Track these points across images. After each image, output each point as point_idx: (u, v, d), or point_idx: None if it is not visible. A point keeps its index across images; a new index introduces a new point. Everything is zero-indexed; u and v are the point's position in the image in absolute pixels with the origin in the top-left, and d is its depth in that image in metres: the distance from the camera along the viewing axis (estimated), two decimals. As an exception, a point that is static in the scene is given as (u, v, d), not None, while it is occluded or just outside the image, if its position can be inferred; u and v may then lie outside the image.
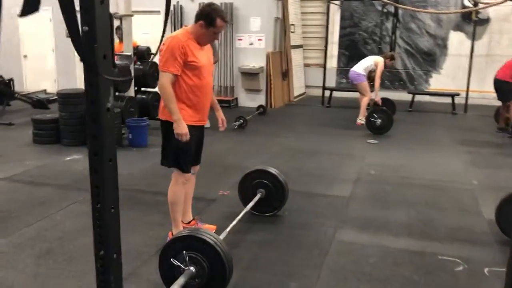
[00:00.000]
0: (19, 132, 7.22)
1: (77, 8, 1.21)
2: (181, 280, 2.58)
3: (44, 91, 9.53)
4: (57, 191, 4.62)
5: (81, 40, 1.16)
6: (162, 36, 1.30)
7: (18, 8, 1.15)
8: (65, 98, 6.42)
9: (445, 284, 2.99)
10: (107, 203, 1.36)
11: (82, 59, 1.18)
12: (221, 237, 3.07)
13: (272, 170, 4.03)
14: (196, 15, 3.18)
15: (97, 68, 1.23)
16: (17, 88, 8.78)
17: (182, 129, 3.12)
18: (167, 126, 3.24)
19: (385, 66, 8.05)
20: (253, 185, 3.99)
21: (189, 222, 3.67)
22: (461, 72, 10.53)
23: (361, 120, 8.12)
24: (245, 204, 3.88)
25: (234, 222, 3.43)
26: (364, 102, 8.20)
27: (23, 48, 11.51)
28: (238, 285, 2.93)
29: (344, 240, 3.63)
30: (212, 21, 3.12)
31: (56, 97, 6.87)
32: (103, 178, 1.33)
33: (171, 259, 2.67)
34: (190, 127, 3.18)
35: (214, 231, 3.56)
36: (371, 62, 8.06)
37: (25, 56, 11.58)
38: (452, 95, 9.65)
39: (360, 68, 8.03)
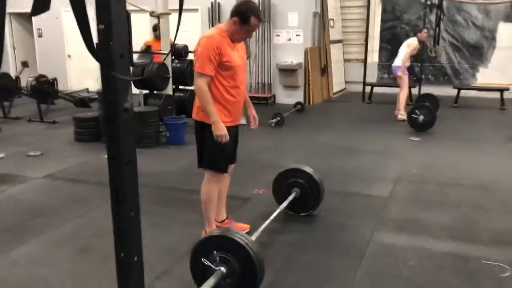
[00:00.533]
0: (62, 130, 7.43)
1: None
2: (211, 281, 2.54)
3: (86, 90, 9.79)
4: (95, 189, 4.71)
5: (92, 39, 1.12)
6: (176, 34, 1.24)
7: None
8: (105, 96, 6.54)
9: (490, 291, 2.82)
10: (126, 207, 1.32)
11: (96, 59, 1.15)
12: (253, 237, 3.02)
13: (307, 169, 3.94)
14: (231, 11, 3.12)
15: (114, 67, 1.19)
16: (61, 87, 9.05)
17: (221, 130, 3.07)
18: (203, 127, 3.20)
19: (420, 42, 7.93)
20: (287, 184, 3.91)
21: (222, 221, 3.64)
22: (511, 65, 10.02)
23: (402, 115, 7.89)
24: (280, 204, 3.80)
25: (267, 222, 3.36)
26: (402, 96, 8.00)
27: (67, 48, 11.87)
28: (271, 286, 2.86)
29: (382, 242, 3.49)
30: (246, 19, 3.06)
31: (96, 96, 7.02)
32: (121, 181, 1.29)
33: (202, 259, 2.64)
34: (226, 127, 3.14)
35: (247, 230, 3.51)
36: (404, 47, 7.94)
37: (69, 56, 11.94)
38: (501, 90, 9.19)
39: (398, 60, 7.97)
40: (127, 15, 1.21)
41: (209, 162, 3.28)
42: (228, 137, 3.11)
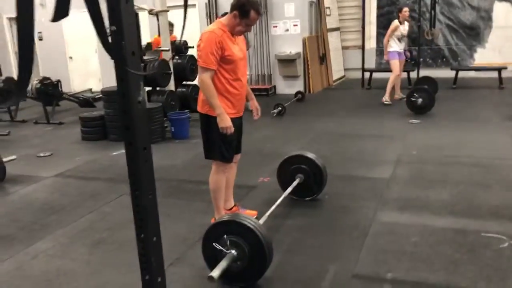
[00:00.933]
0: (68, 130, 7.58)
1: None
2: (223, 263, 2.69)
3: (90, 90, 9.94)
4: (106, 185, 4.86)
5: (108, 39, 1.25)
6: (183, 30, 1.37)
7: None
8: (109, 95, 6.67)
9: (489, 261, 2.94)
10: (144, 190, 1.46)
11: (111, 57, 1.28)
12: (261, 221, 3.16)
13: (310, 155, 4.07)
14: (231, 5, 3.23)
15: (126, 63, 1.32)
16: (64, 89, 9.20)
17: (226, 122, 3.20)
18: (208, 120, 3.33)
19: (402, 21, 7.98)
20: (291, 171, 4.04)
21: (230, 209, 3.78)
22: (508, 44, 10.10)
23: (386, 100, 8.10)
24: (285, 190, 3.94)
25: (273, 207, 3.50)
26: (389, 80, 8.14)
27: (68, 50, 12.01)
28: (279, 267, 3.01)
29: (384, 221, 3.63)
30: (246, 13, 3.17)
31: (101, 95, 7.15)
32: (138, 166, 1.42)
33: (213, 243, 2.78)
34: (230, 119, 3.26)
35: (255, 216, 3.65)
36: (389, 32, 8.08)
37: (70, 58, 12.08)
38: (499, 69, 9.27)
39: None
40: (136, 16, 1.34)
41: (216, 153, 3.41)
42: (233, 129, 3.24)
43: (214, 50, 3.12)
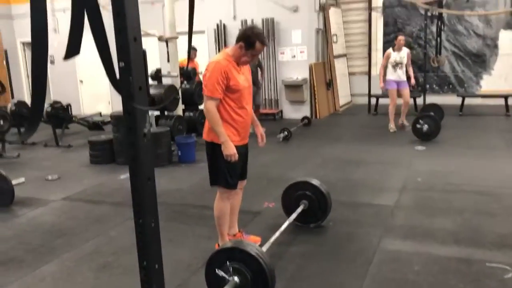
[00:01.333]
0: (77, 153, 7.68)
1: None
2: (226, 290, 2.71)
3: (99, 114, 10.08)
4: (112, 208, 4.91)
5: (115, 75, 1.32)
6: (189, 53, 1.43)
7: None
8: (118, 119, 6.78)
9: (493, 291, 2.94)
10: (147, 218, 1.51)
11: (119, 92, 1.35)
12: (264, 248, 3.19)
13: (314, 181, 4.10)
14: (237, 37, 3.33)
15: (133, 99, 1.39)
16: (74, 112, 9.35)
17: (230, 149, 3.26)
18: (213, 148, 3.39)
19: (395, 49, 7.94)
20: (296, 197, 4.08)
21: (235, 235, 3.81)
22: (514, 72, 10.16)
23: (390, 127, 8.11)
24: (289, 216, 3.96)
25: (277, 234, 3.52)
26: (389, 109, 8.18)
27: (79, 74, 12.24)
28: (282, 294, 3.01)
29: (389, 248, 3.63)
30: (252, 44, 3.27)
31: (110, 119, 7.27)
32: (143, 196, 1.48)
33: (216, 270, 2.80)
34: (235, 146, 3.32)
35: (259, 243, 3.67)
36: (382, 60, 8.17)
37: (81, 81, 12.30)
38: (505, 96, 9.31)
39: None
40: (144, 53, 1.41)
41: (221, 179, 3.46)
42: (237, 156, 3.30)
43: (220, 80, 3.21)
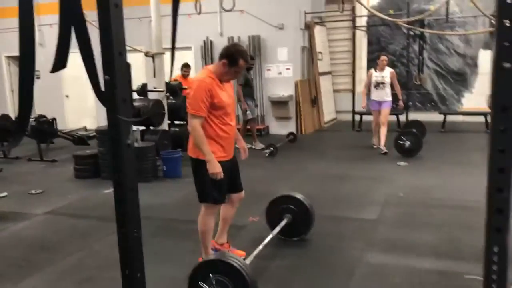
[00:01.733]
0: (61, 168, 7.64)
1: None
2: (208, 303, 2.73)
3: (84, 128, 10.06)
4: (96, 223, 4.89)
5: (100, 87, 1.37)
6: (171, 69, 1.49)
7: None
8: (103, 134, 6.79)
9: (471, 303, 3.00)
10: (130, 228, 1.54)
11: (103, 104, 1.40)
12: (248, 261, 3.22)
13: (298, 195, 4.16)
14: (220, 54, 3.40)
15: (117, 111, 1.44)
16: (59, 126, 9.31)
17: (216, 168, 3.29)
18: (198, 164, 3.41)
19: (376, 69, 8.03)
20: (279, 211, 4.12)
21: (222, 244, 3.82)
22: (494, 90, 10.38)
23: (373, 143, 8.29)
24: (273, 229, 4.00)
25: (260, 247, 3.56)
26: (372, 127, 8.28)
27: (65, 89, 12.22)
28: (264, 307, 3.04)
29: (370, 262, 3.69)
30: (235, 61, 3.33)
31: (95, 134, 7.26)
32: (125, 205, 1.52)
33: (199, 282, 2.83)
34: (220, 162, 3.35)
35: (243, 257, 3.69)
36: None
37: (66, 96, 12.27)
38: (485, 114, 9.52)
39: None
40: (128, 67, 1.47)
41: (208, 195, 3.47)
42: (222, 174, 3.33)
43: (204, 98, 3.26)
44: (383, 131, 7.85)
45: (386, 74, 7.94)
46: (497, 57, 1.14)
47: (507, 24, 1.05)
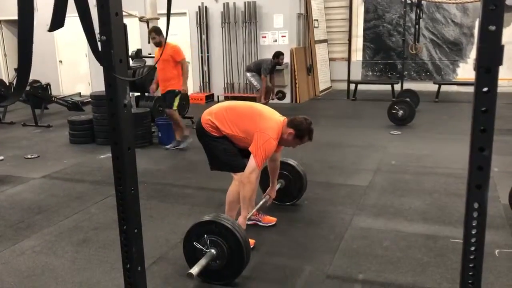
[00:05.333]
0: (57, 133, 7.67)
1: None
2: (202, 261, 2.83)
3: (79, 94, 10.02)
4: (92, 187, 4.97)
5: (98, 47, 1.40)
6: (166, 37, 1.52)
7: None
8: (98, 99, 6.79)
9: (455, 265, 3.11)
10: (127, 185, 1.60)
11: (100, 64, 1.43)
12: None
13: (291, 161, 4.23)
14: (292, 122, 3.43)
15: (114, 70, 1.47)
16: (53, 92, 9.28)
17: (244, 226, 3.25)
18: (214, 140, 3.42)
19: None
20: (273, 176, 4.19)
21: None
22: (489, 61, 10.40)
23: None
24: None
25: (253, 211, 3.65)
26: None
27: (58, 54, 12.10)
28: (256, 267, 3.15)
29: (360, 226, 3.80)
30: (301, 137, 3.43)
31: (89, 99, 7.26)
32: (123, 163, 1.57)
33: (194, 242, 2.92)
34: None
35: (274, 222, 3.82)
36: None
37: (60, 62, 12.16)
38: (479, 84, 9.54)
39: None
40: (124, 28, 1.49)
41: (238, 165, 3.42)
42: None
43: (268, 156, 3.32)
44: None
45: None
46: (483, 20, 1.18)
47: (494, -12, 1.08)
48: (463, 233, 1.42)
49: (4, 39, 12.46)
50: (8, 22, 12.19)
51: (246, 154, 3.39)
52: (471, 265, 1.41)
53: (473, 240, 1.39)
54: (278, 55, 8.33)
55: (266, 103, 8.64)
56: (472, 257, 1.40)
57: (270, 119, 3.42)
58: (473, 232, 1.39)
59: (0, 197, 4.74)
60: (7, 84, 8.85)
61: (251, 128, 3.32)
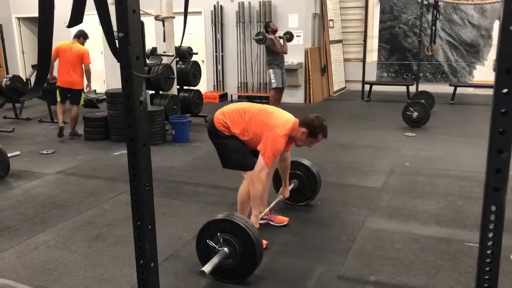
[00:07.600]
0: (72, 130, 7.73)
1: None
2: (215, 259, 2.84)
3: (94, 91, 10.08)
4: (106, 183, 5.01)
5: (115, 44, 1.41)
6: (183, 36, 1.52)
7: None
8: (113, 97, 6.85)
9: (469, 268, 3.08)
10: (142, 181, 1.61)
11: (118, 60, 1.44)
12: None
13: (305, 162, 4.22)
14: (305, 122, 3.38)
15: (131, 67, 1.48)
16: (69, 89, 9.34)
17: (257, 224, 3.26)
18: (225, 138, 3.41)
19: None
20: (286, 176, 4.19)
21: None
22: (507, 63, 10.26)
23: None
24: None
25: (266, 210, 3.65)
26: None
27: (75, 51, 12.18)
28: (268, 266, 3.15)
29: (372, 227, 3.77)
30: (315, 134, 3.38)
31: (105, 97, 7.32)
32: (138, 160, 1.58)
33: (207, 240, 2.93)
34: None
35: (286, 222, 3.82)
36: None
37: (76, 59, 12.25)
38: (496, 87, 9.41)
39: None
40: (141, 25, 1.50)
41: (248, 163, 3.41)
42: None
43: (277, 154, 3.30)
44: None
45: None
46: (503, 20, 1.16)
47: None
48: (480, 236, 1.39)
49: (22, 36, 12.61)
50: (26, 19, 12.34)
51: (256, 153, 3.38)
52: (487, 269, 1.39)
53: (489, 243, 1.37)
54: (266, 26, 8.24)
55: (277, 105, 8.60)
56: (488, 260, 1.38)
57: (280, 118, 3.42)
58: (490, 235, 1.36)
59: (16, 191, 4.81)
60: (24, 80, 8.95)
61: (261, 129, 3.32)
